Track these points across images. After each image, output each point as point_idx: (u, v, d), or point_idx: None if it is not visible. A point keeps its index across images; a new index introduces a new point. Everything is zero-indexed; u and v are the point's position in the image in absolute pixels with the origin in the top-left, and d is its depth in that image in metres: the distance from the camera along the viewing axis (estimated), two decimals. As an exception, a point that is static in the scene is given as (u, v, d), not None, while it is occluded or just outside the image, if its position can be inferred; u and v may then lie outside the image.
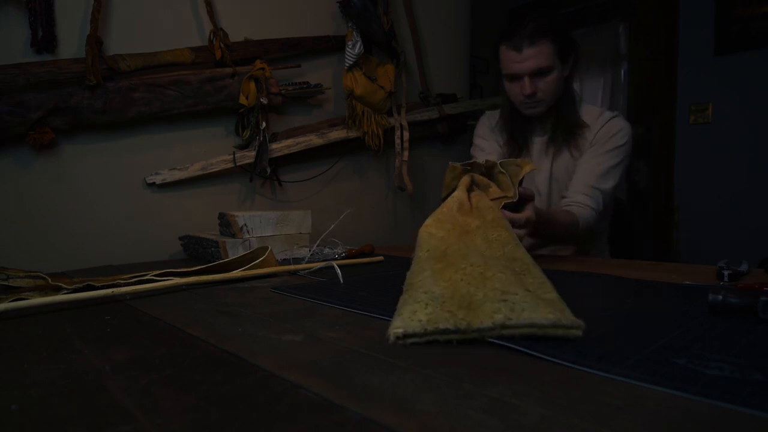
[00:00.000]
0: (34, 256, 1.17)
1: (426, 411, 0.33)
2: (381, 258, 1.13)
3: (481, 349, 0.47)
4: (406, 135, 1.77)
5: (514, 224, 0.90)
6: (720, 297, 0.56)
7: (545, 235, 1.12)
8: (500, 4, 2.42)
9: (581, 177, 1.23)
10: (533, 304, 0.48)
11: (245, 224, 1.14)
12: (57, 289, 0.76)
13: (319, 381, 0.39)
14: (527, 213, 0.93)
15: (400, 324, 0.49)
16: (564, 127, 1.27)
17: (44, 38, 1.16)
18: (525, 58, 1.18)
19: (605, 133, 1.24)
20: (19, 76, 1.11)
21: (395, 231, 1.92)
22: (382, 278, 0.88)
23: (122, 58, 1.23)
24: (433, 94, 1.92)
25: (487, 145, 1.40)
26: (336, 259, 1.06)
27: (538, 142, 1.32)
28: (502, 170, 0.91)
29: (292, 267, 0.96)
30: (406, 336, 0.48)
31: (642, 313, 0.59)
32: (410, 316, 0.49)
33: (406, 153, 1.77)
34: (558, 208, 1.20)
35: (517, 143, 1.33)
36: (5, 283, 0.82)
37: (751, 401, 0.33)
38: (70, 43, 1.21)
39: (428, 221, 0.72)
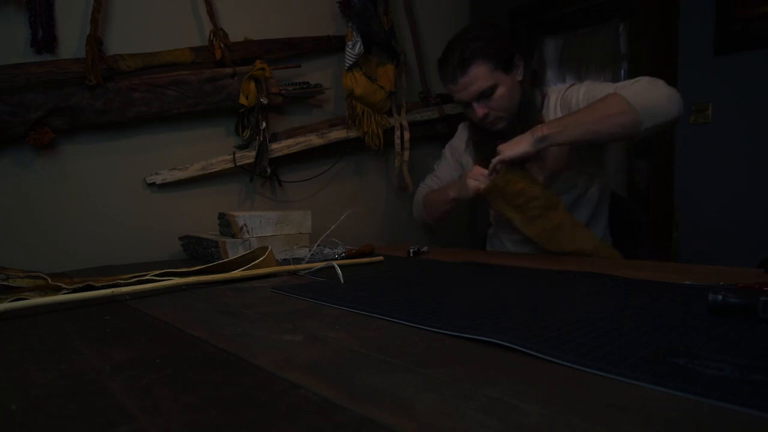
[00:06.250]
0: (34, 256, 1.17)
1: (426, 411, 0.33)
2: (381, 258, 1.12)
3: (481, 349, 0.47)
4: (407, 135, 1.77)
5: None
6: (720, 297, 0.56)
7: (581, 130, 0.99)
8: (500, 4, 2.42)
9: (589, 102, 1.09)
10: None
11: (245, 224, 1.14)
12: (57, 289, 0.76)
13: (319, 381, 0.39)
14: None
15: None
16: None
17: (44, 38, 1.16)
18: (463, 87, 1.16)
19: (567, 97, 1.18)
20: (19, 76, 1.11)
21: (395, 231, 1.92)
22: (382, 278, 0.88)
23: (122, 58, 1.23)
24: (433, 94, 1.92)
25: (450, 159, 1.42)
26: (336, 259, 1.06)
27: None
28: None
29: (292, 267, 0.96)
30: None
31: (642, 312, 0.59)
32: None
33: (406, 153, 1.77)
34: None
35: (487, 161, 1.24)
36: (5, 283, 0.82)
37: (751, 401, 0.33)
38: (70, 43, 1.21)
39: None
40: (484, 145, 1.30)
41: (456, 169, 1.43)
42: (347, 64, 1.60)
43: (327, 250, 1.19)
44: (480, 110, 1.17)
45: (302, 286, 0.81)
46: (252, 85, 1.40)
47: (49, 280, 0.79)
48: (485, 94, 1.17)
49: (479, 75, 1.15)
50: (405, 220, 1.96)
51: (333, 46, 1.65)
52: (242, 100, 1.40)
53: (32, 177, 1.18)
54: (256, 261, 0.92)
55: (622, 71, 3.13)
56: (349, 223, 1.17)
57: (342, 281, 0.83)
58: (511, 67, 1.19)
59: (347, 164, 1.76)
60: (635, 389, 0.37)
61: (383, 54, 1.76)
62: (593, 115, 0.99)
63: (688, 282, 0.79)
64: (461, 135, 1.43)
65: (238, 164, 1.45)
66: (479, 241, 1.66)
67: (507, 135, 1.23)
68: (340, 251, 1.18)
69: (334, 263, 0.89)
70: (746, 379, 0.37)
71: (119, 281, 0.80)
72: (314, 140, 1.58)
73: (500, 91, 1.17)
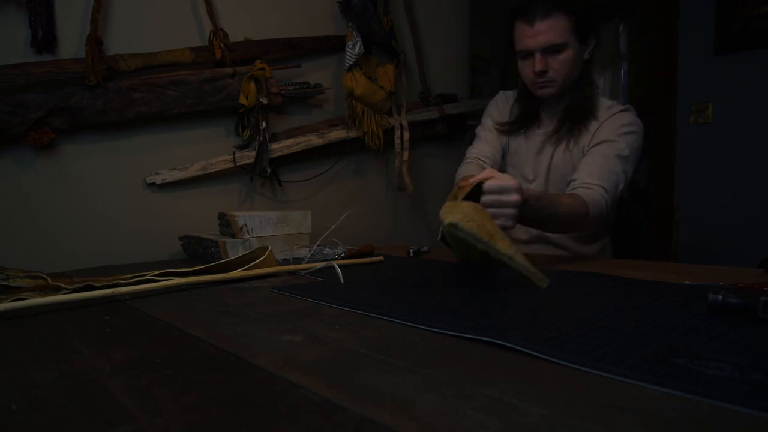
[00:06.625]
0: (34, 256, 1.17)
1: (426, 411, 0.33)
2: (381, 258, 1.12)
3: (481, 349, 0.47)
4: (406, 135, 1.77)
5: (504, 190, 0.82)
6: (720, 297, 0.56)
7: (547, 220, 0.99)
8: (500, 3, 2.42)
9: (590, 161, 1.12)
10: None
11: (245, 224, 1.14)
12: (57, 289, 0.76)
13: (319, 381, 0.39)
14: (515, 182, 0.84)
15: (452, 218, 0.68)
16: (574, 115, 1.19)
17: (44, 38, 1.16)
18: (537, 33, 1.13)
19: (613, 123, 1.16)
20: (19, 76, 1.11)
21: (395, 231, 1.92)
22: (382, 278, 0.88)
23: (122, 58, 1.23)
24: (433, 94, 1.92)
25: (489, 125, 1.35)
26: (336, 259, 1.06)
27: (540, 135, 1.27)
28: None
29: (292, 267, 0.96)
30: (451, 225, 0.67)
31: (642, 312, 0.59)
32: (457, 217, 0.68)
33: (406, 153, 1.77)
34: (561, 192, 1.10)
35: (521, 127, 1.29)
36: (5, 283, 0.82)
37: (751, 401, 0.33)
38: (70, 43, 1.20)
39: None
40: (527, 110, 1.28)
41: (499, 138, 1.34)
42: (347, 64, 1.60)
43: (327, 250, 1.19)
44: (540, 63, 1.14)
45: (302, 286, 0.81)
46: (252, 85, 1.40)
47: (49, 280, 0.79)
48: (553, 50, 1.14)
49: (557, 27, 1.12)
50: (405, 220, 1.96)
51: (333, 46, 1.65)
52: (242, 100, 1.40)
53: (32, 177, 1.18)
54: (256, 261, 0.92)
55: (622, 71, 3.13)
56: (349, 223, 1.17)
57: (342, 281, 0.83)
58: (586, 40, 1.18)
59: (347, 164, 1.76)
60: (635, 389, 0.37)
61: (383, 54, 1.76)
62: (563, 212, 1.00)
63: (688, 282, 0.79)
64: (500, 103, 1.37)
65: (238, 164, 1.45)
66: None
67: (547, 108, 1.26)
68: (340, 251, 1.18)
69: (334, 263, 0.89)
70: (746, 379, 0.37)
71: (119, 281, 0.80)
72: (314, 140, 1.58)
73: (567, 53, 1.14)
